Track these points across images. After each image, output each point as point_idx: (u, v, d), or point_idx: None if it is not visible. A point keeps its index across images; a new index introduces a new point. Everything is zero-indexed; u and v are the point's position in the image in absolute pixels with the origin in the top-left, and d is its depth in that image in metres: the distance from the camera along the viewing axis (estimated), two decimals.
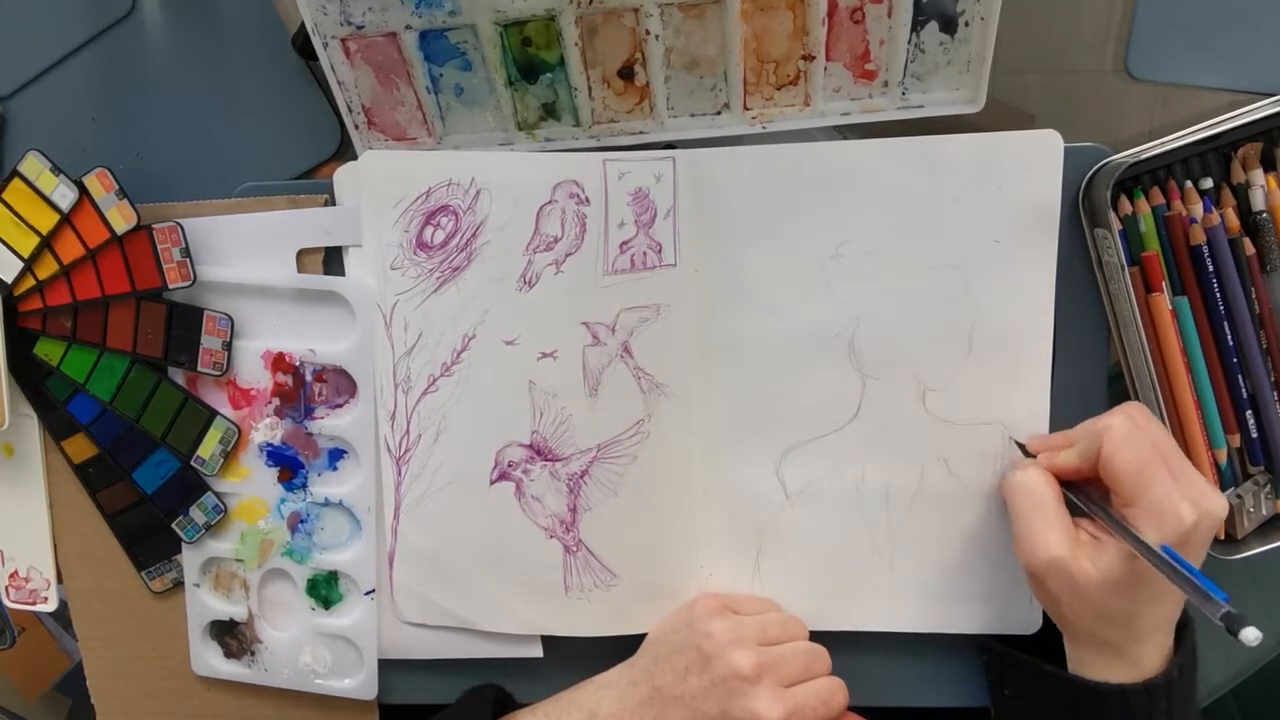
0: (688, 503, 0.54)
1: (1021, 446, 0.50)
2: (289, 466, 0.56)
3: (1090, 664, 0.47)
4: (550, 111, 0.52)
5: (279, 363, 0.55)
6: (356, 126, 0.53)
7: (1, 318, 0.55)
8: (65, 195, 0.53)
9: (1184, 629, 0.48)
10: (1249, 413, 0.51)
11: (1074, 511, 0.47)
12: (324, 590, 0.57)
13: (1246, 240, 0.50)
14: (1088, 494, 0.46)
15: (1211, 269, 0.50)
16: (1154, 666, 0.46)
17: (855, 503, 0.53)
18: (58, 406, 0.57)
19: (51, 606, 0.61)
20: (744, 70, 0.50)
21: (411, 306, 0.53)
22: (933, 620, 0.54)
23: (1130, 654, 0.46)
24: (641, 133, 0.52)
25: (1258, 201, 0.50)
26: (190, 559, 0.59)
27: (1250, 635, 0.38)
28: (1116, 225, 0.49)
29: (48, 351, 0.56)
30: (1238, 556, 0.51)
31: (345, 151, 0.56)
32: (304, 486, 0.57)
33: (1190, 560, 0.43)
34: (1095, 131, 0.52)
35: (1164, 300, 0.50)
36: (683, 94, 0.51)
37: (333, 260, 0.55)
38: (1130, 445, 0.44)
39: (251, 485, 0.57)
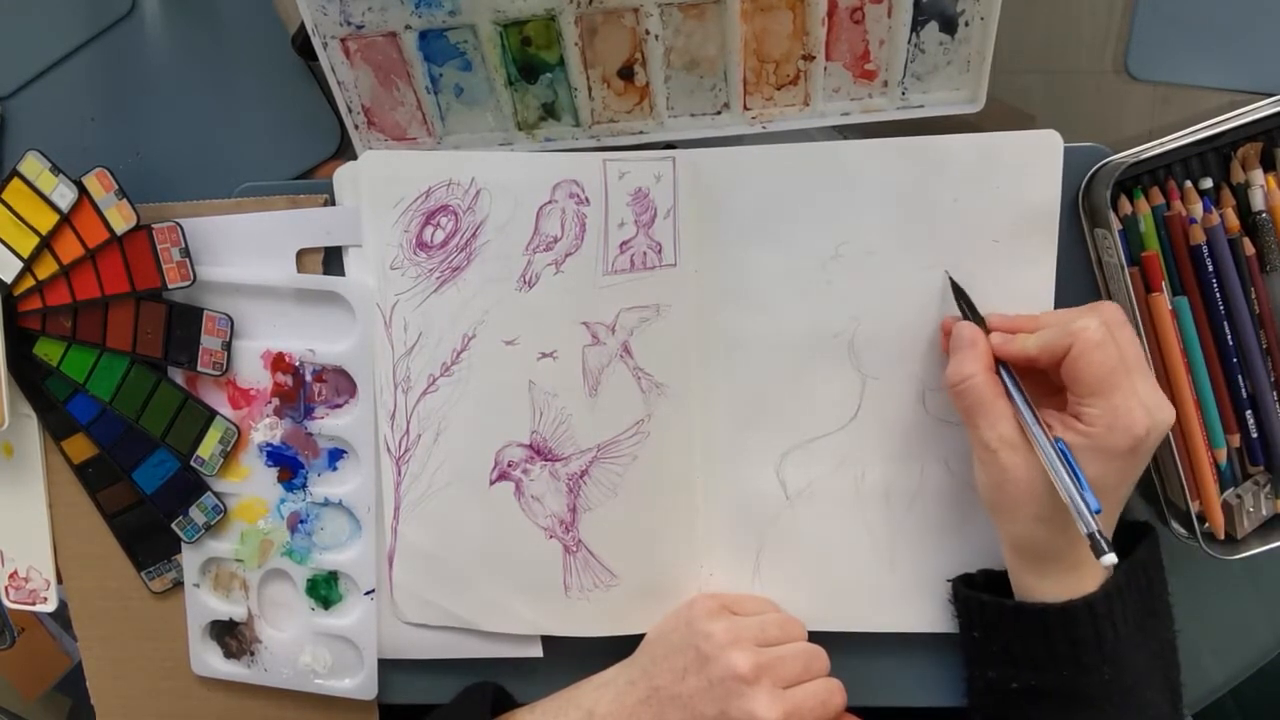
0: (688, 503, 0.54)
1: (956, 287, 0.50)
2: (289, 466, 0.56)
3: (1025, 572, 0.48)
4: (550, 111, 0.52)
5: (279, 363, 0.55)
6: (356, 126, 0.53)
7: (1, 318, 0.55)
8: (65, 195, 0.53)
9: (1143, 537, 0.49)
10: (1249, 412, 0.51)
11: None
12: (324, 590, 0.57)
13: (1246, 240, 0.50)
14: (1016, 381, 0.47)
15: (1211, 269, 0.50)
16: (1096, 577, 0.47)
17: (855, 503, 0.53)
18: (57, 406, 0.57)
19: (51, 607, 0.61)
20: (744, 70, 0.50)
21: (411, 306, 0.53)
22: (932, 620, 0.54)
23: (1067, 559, 0.46)
24: (641, 133, 0.52)
25: (1257, 201, 0.50)
26: (190, 559, 0.59)
27: (1107, 560, 0.42)
28: (1116, 225, 0.49)
29: (47, 351, 0.56)
30: (1238, 556, 0.51)
31: (345, 151, 0.56)
32: (304, 486, 0.57)
33: (1134, 468, 0.46)
34: (1095, 131, 0.52)
35: (1164, 300, 0.50)
36: (682, 94, 0.51)
37: (332, 260, 0.55)
38: (1101, 350, 0.44)
39: (251, 485, 0.57)
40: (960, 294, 0.50)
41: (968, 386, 0.47)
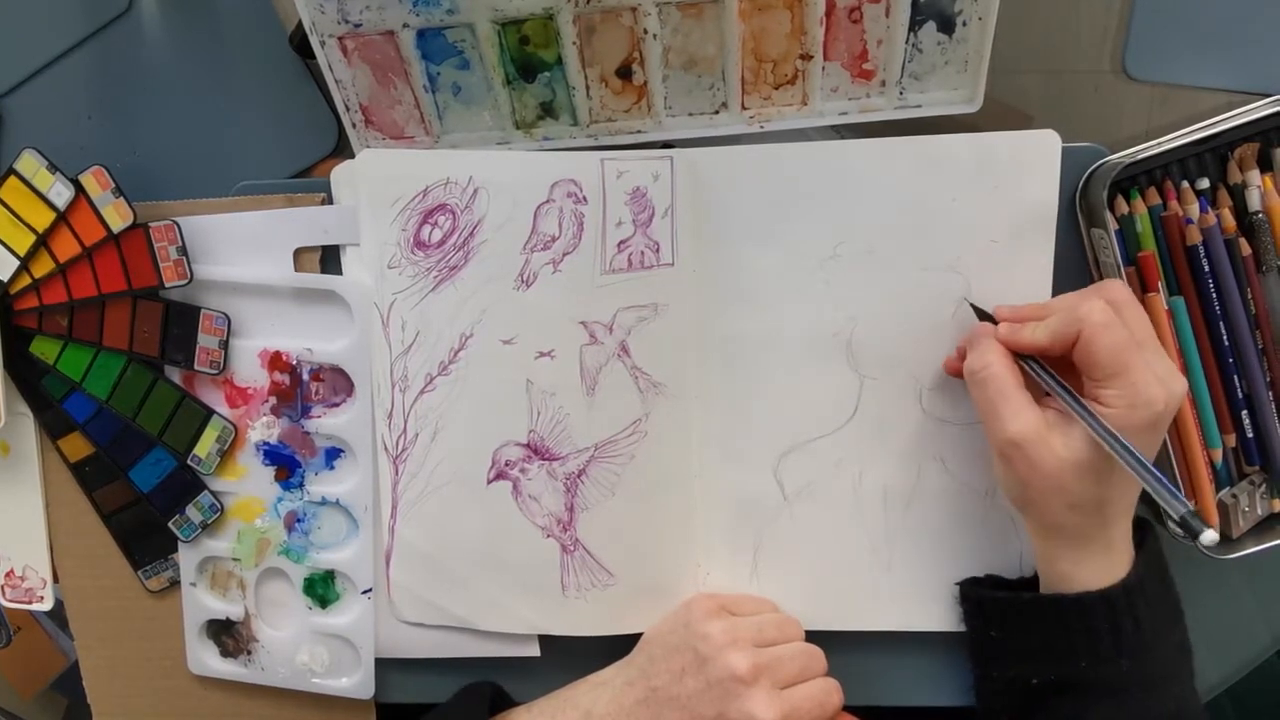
0: (685, 502, 0.54)
1: (979, 310, 0.50)
2: (286, 465, 0.56)
3: (1059, 559, 0.47)
4: (548, 110, 0.52)
5: (276, 361, 0.55)
6: (354, 125, 0.53)
7: None
8: (62, 193, 0.53)
9: (1144, 532, 0.49)
10: (1245, 413, 0.51)
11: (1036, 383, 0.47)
12: (321, 589, 0.57)
13: (1242, 240, 0.50)
14: (1052, 374, 0.46)
15: (1207, 269, 0.50)
16: (1125, 561, 0.46)
17: (853, 503, 0.54)
18: (54, 405, 0.57)
19: (47, 605, 0.61)
20: (742, 70, 0.50)
21: (409, 305, 0.53)
22: (930, 620, 0.54)
23: (1100, 541, 0.46)
24: (639, 132, 0.52)
25: (1254, 202, 0.50)
26: (187, 558, 0.59)
27: (1208, 538, 0.41)
28: (1113, 225, 0.49)
29: (44, 350, 0.56)
30: (1234, 556, 0.52)
31: (343, 150, 0.56)
32: (301, 485, 0.56)
33: (1155, 441, 0.45)
34: (1093, 131, 0.52)
35: (1160, 300, 0.50)
36: (681, 93, 0.51)
37: (330, 259, 0.55)
38: (1109, 331, 0.43)
39: (248, 484, 0.57)
40: (984, 317, 0.50)
41: (990, 374, 0.46)
